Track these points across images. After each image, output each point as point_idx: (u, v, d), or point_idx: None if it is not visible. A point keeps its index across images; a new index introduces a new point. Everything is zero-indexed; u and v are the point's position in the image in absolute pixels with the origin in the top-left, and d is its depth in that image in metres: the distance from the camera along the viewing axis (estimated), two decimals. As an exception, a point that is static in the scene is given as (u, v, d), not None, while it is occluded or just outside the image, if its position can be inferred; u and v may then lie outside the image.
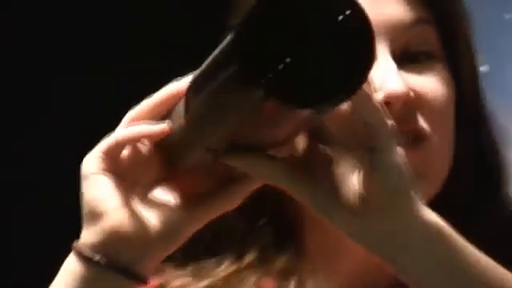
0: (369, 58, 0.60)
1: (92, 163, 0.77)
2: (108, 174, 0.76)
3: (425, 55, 0.90)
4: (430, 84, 0.89)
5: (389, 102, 0.82)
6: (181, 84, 0.77)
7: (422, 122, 0.88)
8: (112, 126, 0.85)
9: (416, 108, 0.88)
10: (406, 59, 0.88)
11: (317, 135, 0.72)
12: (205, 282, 0.94)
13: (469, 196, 0.96)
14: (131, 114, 0.79)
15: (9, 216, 2.68)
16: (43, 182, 2.66)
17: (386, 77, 0.85)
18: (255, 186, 0.76)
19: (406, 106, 0.85)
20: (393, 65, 0.86)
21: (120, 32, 2.62)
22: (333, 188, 0.68)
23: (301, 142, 0.72)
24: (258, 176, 0.73)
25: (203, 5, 2.41)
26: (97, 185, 0.76)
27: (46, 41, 2.64)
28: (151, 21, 2.61)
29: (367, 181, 0.66)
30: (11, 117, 2.67)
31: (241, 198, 0.77)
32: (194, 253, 0.97)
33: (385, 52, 0.86)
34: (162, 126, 0.76)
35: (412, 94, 0.86)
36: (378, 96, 0.81)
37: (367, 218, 0.68)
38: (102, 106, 2.41)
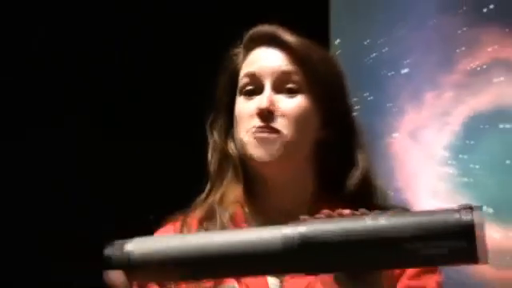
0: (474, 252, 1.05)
1: None
2: None
3: (291, 89, 1.34)
4: (290, 105, 1.33)
5: (260, 110, 1.29)
6: None
7: (278, 123, 1.32)
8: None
9: (278, 115, 1.32)
10: (283, 90, 1.33)
11: None
12: (202, 212, 1.36)
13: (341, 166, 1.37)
14: None
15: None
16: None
17: (264, 97, 1.31)
18: None
19: (271, 113, 1.31)
20: (267, 93, 1.31)
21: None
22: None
23: None
24: None
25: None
26: None
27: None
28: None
29: None
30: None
31: None
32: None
33: (267, 86, 1.32)
34: None
35: (273, 107, 1.31)
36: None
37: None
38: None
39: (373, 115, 2.61)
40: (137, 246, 1.20)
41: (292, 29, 1.44)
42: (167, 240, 1.24)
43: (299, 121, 1.36)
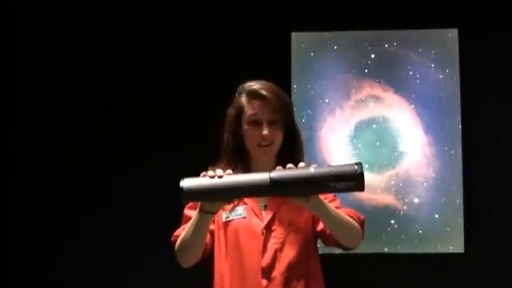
0: (362, 182, 1.58)
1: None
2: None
3: (274, 121, 1.97)
4: (275, 131, 1.99)
5: (264, 136, 1.95)
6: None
7: (273, 138, 1.98)
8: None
9: (272, 137, 1.97)
10: (271, 123, 1.97)
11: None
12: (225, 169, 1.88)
13: (289, 152, 2.01)
14: None
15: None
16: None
17: (264, 130, 1.95)
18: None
19: (269, 135, 1.96)
20: (266, 127, 1.95)
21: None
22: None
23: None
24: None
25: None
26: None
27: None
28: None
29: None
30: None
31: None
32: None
33: (264, 123, 1.98)
34: None
35: (269, 133, 1.95)
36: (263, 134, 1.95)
37: (312, 204, 1.76)
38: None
39: (312, 121, 3.68)
40: (186, 183, 1.62)
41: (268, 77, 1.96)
42: (202, 179, 1.62)
43: (278, 136, 2.04)
